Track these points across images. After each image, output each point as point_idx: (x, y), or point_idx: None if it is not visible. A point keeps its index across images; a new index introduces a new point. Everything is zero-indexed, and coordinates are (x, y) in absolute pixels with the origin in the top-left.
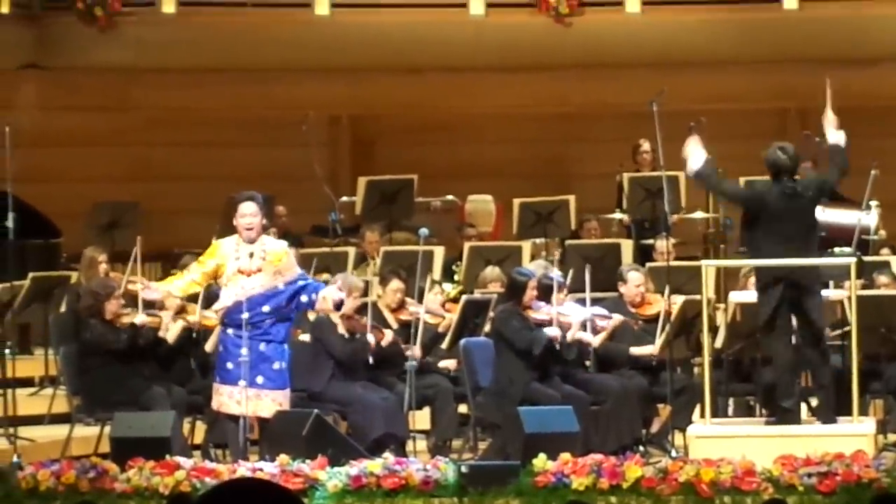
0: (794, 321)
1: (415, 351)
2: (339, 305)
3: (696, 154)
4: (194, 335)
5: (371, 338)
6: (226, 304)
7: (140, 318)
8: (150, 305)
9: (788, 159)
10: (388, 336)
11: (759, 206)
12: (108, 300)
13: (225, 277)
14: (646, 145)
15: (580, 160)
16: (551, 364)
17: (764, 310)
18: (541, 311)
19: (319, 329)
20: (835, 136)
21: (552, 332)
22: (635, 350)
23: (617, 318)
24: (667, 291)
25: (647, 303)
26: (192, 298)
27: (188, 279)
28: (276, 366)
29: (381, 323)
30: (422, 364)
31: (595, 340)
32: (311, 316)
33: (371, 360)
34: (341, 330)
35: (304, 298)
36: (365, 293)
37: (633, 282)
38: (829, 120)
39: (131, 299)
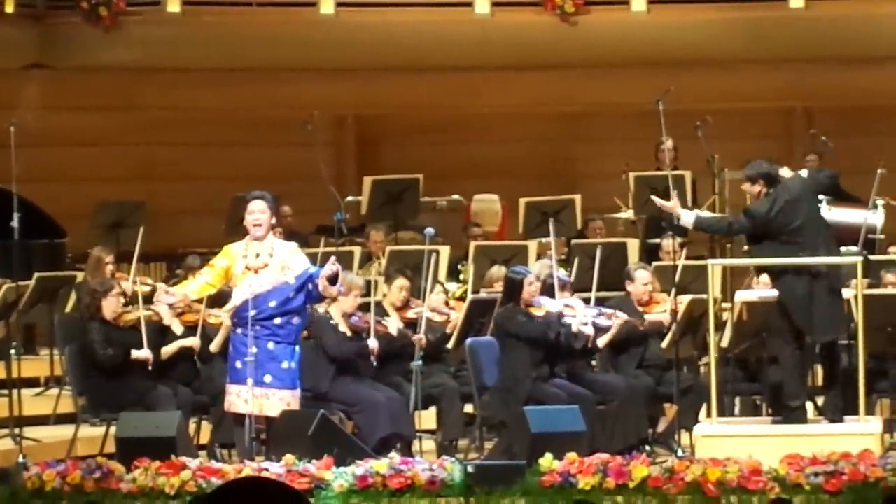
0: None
1: (420, 339)
2: (333, 279)
3: (683, 214)
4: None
5: (373, 342)
6: (235, 304)
7: (143, 353)
8: (148, 302)
9: (769, 165)
10: (394, 325)
11: (765, 226)
12: (106, 297)
13: (234, 278)
14: (668, 143)
15: (586, 159)
16: (558, 361)
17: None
18: (542, 307)
19: (317, 327)
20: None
21: (556, 306)
22: (650, 316)
23: (621, 316)
24: (673, 291)
25: (655, 302)
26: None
27: (201, 281)
28: (284, 365)
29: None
30: (429, 352)
31: (600, 341)
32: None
33: (375, 362)
34: (343, 328)
35: (310, 287)
36: (368, 292)
37: (641, 280)
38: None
39: (135, 298)
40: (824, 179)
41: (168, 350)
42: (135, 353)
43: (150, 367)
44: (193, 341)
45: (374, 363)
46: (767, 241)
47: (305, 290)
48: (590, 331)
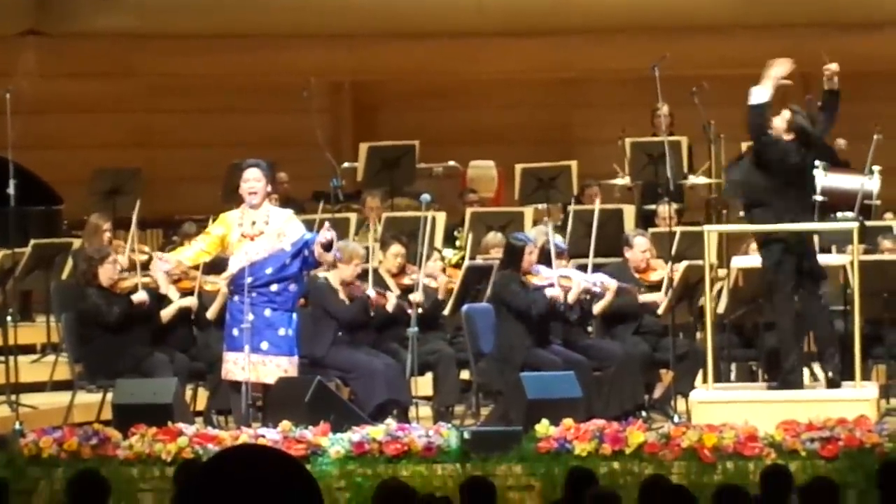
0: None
1: (417, 297)
2: (328, 246)
3: (767, 88)
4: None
5: (372, 292)
6: (232, 272)
7: (140, 295)
8: (145, 269)
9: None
10: (392, 299)
11: (779, 158)
12: (103, 264)
13: (230, 246)
14: (664, 108)
15: (582, 126)
16: (552, 328)
17: (770, 268)
18: (540, 276)
19: (320, 294)
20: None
21: (552, 291)
22: (644, 297)
23: (612, 283)
24: (671, 258)
25: (652, 269)
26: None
27: (196, 248)
28: (281, 332)
29: (383, 288)
30: (423, 319)
31: (595, 308)
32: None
33: (372, 313)
34: (342, 296)
35: (306, 253)
36: (366, 260)
37: (639, 247)
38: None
39: (133, 265)
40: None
41: (167, 313)
42: (135, 297)
43: (145, 306)
44: (191, 300)
45: (372, 313)
46: (778, 197)
47: (301, 256)
48: (588, 283)
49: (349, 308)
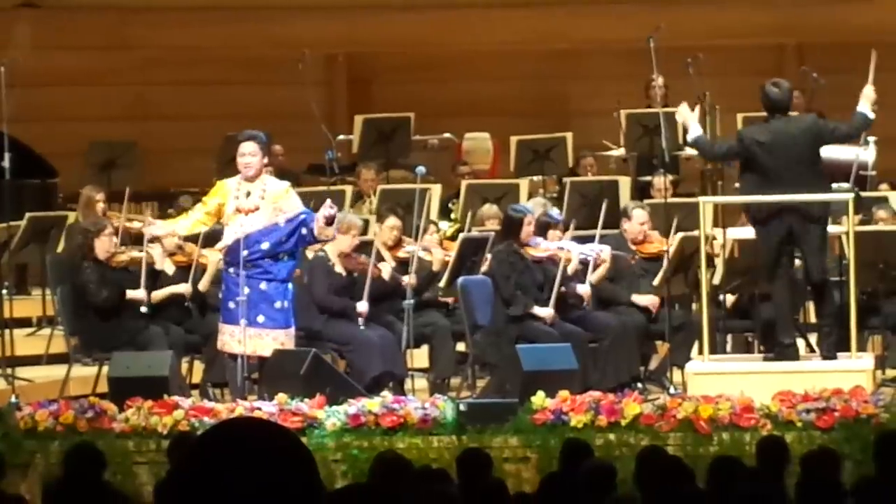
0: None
1: (410, 279)
2: (330, 221)
3: (693, 125)
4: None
5: (363, 306)
6: (226, 243)
7: (137, 293)
8: (140, 242)
9: (781, 93)
10: (387, 269)
11: (752, 153)
12: (99, 237)
13: (225, 217)
14: (659, 80)
15: (577, 97)
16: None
17: (764, 247)
18: (539, 248)
19: (310, 270)
20: (866, 108)
21: (544, 312)
22: (637, 298)
23: (606, 249)
24: (671, 229)
25: (649, 241)
26: (191, 238)
27: (193, 219)
28: (277, 305)
29: (378, 261)
30: (419, 293)
31: (592, 278)
32: (309, 254)
33: (362, 324)
34: (339, 269)
35: (304, 231)
36: (363, 231)
37: (638, 219)
38: (867, 95)
39: (129, 238)
40: (836, 135)
41: (158, 295)
42: (130, 294)
43: (143, 310)
44: (185, 287)
45: (361, 325)
46: (758, 177)
47: (298, 234)
48: (585, 290)
49: (328, 301)
